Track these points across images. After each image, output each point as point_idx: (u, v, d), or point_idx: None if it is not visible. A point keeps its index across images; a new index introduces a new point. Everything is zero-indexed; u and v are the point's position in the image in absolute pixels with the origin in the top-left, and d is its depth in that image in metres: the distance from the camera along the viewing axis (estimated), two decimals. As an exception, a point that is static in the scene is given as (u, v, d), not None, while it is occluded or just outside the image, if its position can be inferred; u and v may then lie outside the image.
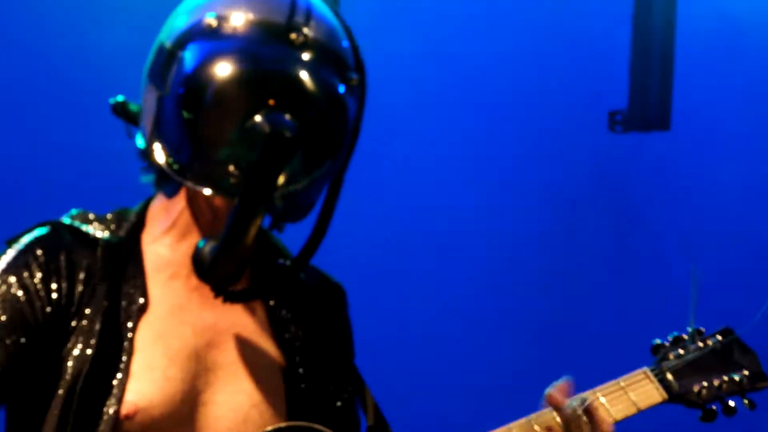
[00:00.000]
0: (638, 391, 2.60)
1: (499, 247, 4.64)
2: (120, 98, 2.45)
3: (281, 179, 2.34)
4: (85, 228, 2.42)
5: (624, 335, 2.94)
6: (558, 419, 2.56)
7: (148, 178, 2.51)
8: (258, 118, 2.30)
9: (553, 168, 4.70)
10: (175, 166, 2.38)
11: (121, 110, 2.45)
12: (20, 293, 2.38)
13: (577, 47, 4.68)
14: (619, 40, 4.55)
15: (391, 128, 4.40)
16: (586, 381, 2.62)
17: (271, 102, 2.33)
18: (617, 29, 4.60)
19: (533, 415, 2.58)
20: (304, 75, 2.35)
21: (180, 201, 2.45)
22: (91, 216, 2.47)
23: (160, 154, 2.38)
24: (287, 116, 2.30)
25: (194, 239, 2.42)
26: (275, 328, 2.52)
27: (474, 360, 4.48)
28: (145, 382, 2.40)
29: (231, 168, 2.35)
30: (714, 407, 2.59)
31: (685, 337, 2.65)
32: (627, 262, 4.39)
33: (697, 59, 4.63)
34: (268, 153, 2.28)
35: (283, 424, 2.45)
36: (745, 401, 2.62)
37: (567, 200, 4.72)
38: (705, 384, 2.60)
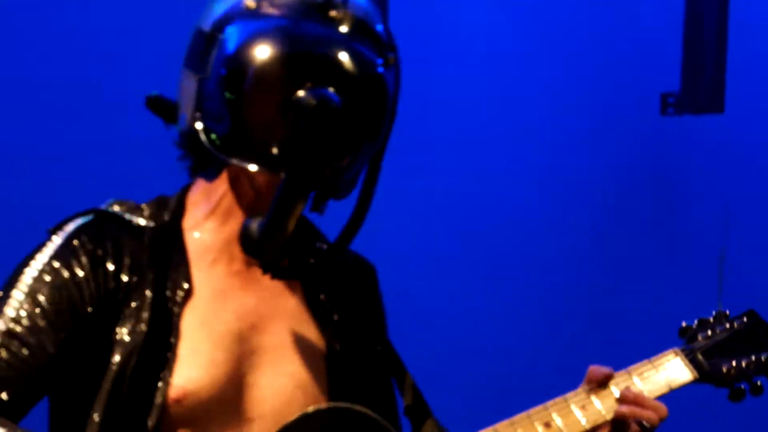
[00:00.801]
0: (670, 370, 2.62)
1: (550, 230, 4.67)
2: (155, 93, 2.48)
3: (327, 153, 2.40)
4: (128, 216, 2.45)
5: (666, 317, 2.93)
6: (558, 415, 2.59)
7: (185, 166, 2.51)
8: (302, 92, 2.32)
9: (605, 151, 4.73)
10: (221, 146, 2.41)
11: (156, 104, 2.49)
12: (69, 281, 2.41)
13: (630, 29, 4.69)
14: (673, 21, 4.52)
15: (439, 110, 4.43)
16: (626, 358, 2.66)
17: (314, 77, 2.35)
18: (670, 11, 4.59)
19: (533, 410, 2.57)
20: (345, 50, 2.37)
21: (221, 184, 2.47)
22: (132, 204, 2.50)
23: (203, 136, 2.42)
24: (330, 90, 2.34)
25: (236, 223, 2.45)
26: (314, 310, 2.54)
27: (519, 340, 4.50)
28: (193, 366, 2.42)
29: (275, 145, 2.38)
30: (742, 386, 2.60)
31: (711, 319, 2.66)
32: (674, 246, 4.39)
33: (751, 41, 4.60)
34: (314, 125, 2.31)
35: (324, 406, 2.47)
36: None
37: (618, 182, 4.73)
38: (734, 364, 2.60)
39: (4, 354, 2.33)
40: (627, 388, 2.57)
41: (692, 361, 2.61)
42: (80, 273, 2.39)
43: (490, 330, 4.57)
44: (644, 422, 2.52)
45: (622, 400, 2.56)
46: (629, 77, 4.67)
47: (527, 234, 4.66)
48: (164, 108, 2.49)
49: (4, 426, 2.32)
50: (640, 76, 4.68)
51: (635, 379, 2.59)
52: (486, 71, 4.62)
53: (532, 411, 2.56)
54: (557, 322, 4.51)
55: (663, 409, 2.54)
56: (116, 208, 2.47)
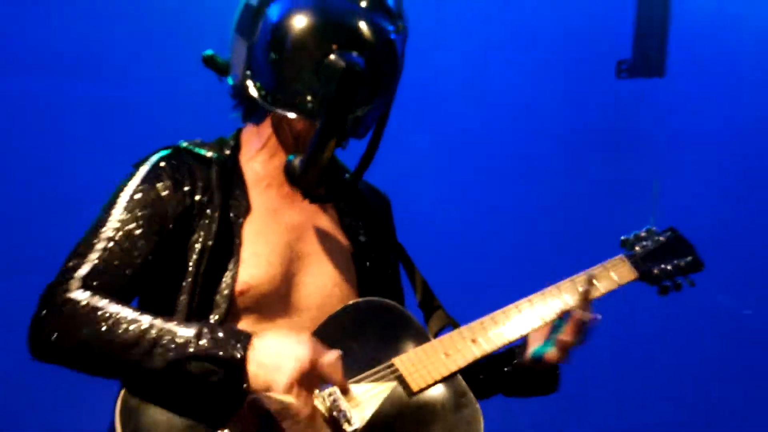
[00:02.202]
0: (618, 271, 2.88)
1: (530, 170, 4.90)
2: (209, 52, 2.74)
3: (352, 104, 2.59)
4: (197, 150, 2.69)
5: (613, 236, 3.06)
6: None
7: (237, 113, 2.76)
8: (332, 56, 2.56)
9: (571, 105, 4.94)
10: (267, 98, 2.64)
11: (210, 62, 2.74)
12: (156, 198, 2.61)
13: (589, 7, 4.91)
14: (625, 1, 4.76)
15: (423, 83, 4.49)
16: (585, 264, 2.91)
17: (341, 42, 2.58)
18: None
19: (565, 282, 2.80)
20: (365, 20, 2.60)
21: (267, 128, 2.72)
22: (200, 141, 2.74)
23: (253, 90, 2.65)
24: (355, 54, 2.58)
25: (281, 157, 2.71)
26: (344, 225, 2.82)
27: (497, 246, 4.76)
28: (253, 266, 2.64)
29: (310, 97, 2.62)
30: (667, 284, 2.93)
31: (644, 234, 2.97)
32: (623, 180, 4.66)
33: (690, 18, 4.85)
34: (344, 83, 2.54)
35: (360, 300, 2.73)
36: (688, 281, 2.96)
37: (582, 130, 4.97)
38: (661, 267, 2.92)
39: (108, 258, 2.52)
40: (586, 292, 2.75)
41: (634, 264, 2.88)
42: (164, 192, 2.61)
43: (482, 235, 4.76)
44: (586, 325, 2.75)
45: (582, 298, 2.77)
46: (589, 47, 4.89)
47: (513, 169, 4.86)
48: (217, 65, 2.74)
49: (108, 302, 2.47)
50: (598, 48, 4.88)
51: (586, 280, 2.82)
52: (470, 44, 4.75)
53: (522, 300, 2.78)
54: (536, 239, 4.76)
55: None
56: (189, 144, 2.70)
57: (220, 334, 2.41)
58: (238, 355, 2.38)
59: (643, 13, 4.71)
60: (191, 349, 2.39)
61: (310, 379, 2.46)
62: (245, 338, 2.42)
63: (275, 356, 2.43)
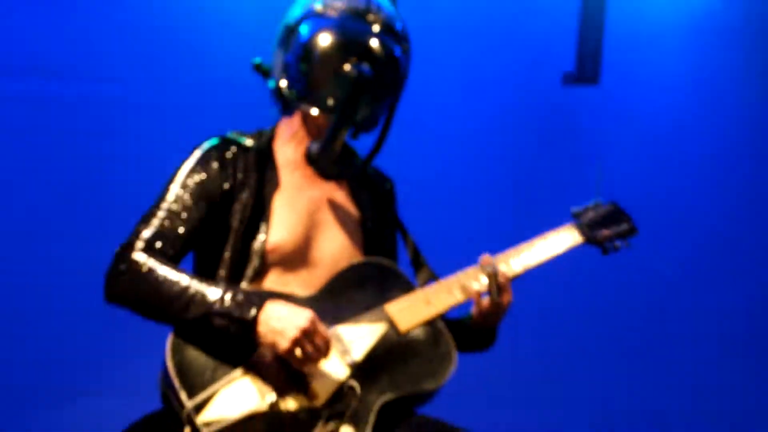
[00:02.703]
0: (568, 235, 3.09)
1: (490, 159, 5.05)
2: (258, 60, 2.96)
3: (362, 105, 2.82)
4: (241, 140, 2.92)
5: (561, 211, 3.23)
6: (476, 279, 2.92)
7: (274, 110, 2.97)
8: (347, 66, 2.83)
9: (518, 112, 5.13)
10: (297, 95, 2.90)
11: (258, 68, 2.96)
12: (206, 177, 2.87)
13: (534, 22, 5.05)
14: (569, 15, 4.94)
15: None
16: (542, 229, 3.07)
17: (356, 57, 2.83)
18: (568, 11, 4.95)
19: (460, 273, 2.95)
20: (376, 40, 2.84)
21: (297, 121, 2.95)
22: (242, 132, 2.96)
23: (287, 91, 2.90)
24: (365, 65, 2.82)
25: (306, 145, 2.93)
26: (355, 200, 3.03)
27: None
28: (281, 230, 2.89)
29: (330, 97, 2.88)
30: (608, 246, 3.11)
31: (591, 206, 3.15)
32: (573, 172, 4.75)
33: (623, 31, 5.05)
34: (355, 88, 2.81)
35: (363, 259, 2.96)
36: (626, 243, 3.12)
37: (531, 133, 5.14)
38: (604, 232, 3.11)
39: (167, 223, 2.80)
40: (497, 272, 2.88)
41: (580, 230, 3.09)
42: (213, 173, 2.86)
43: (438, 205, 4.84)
44: (503, 303, 2.92)
45: (491, 276, 2.90)
46: (535, 59, 5.06)
47: (476, 156, 5.01)
48: (262, 71, 2.96)
49: (162, 264, 2.75)
50: (543, 58, 5.05)
51: (543, 242, 3.02)
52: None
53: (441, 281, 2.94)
54: (499, 216, 4.85)
55: (510, 299, 2.93)
56: (234, 135, 2.93)
57: (239, 297, 2.70)
58: (250, 317, 2.68)
59: (583, 32, 4.91)
60: (216, 307, 2.68)
61: (307, 343, 2.71)
62: (259, 303, 2.70)
63: (280, 321, 2.70)
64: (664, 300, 5.07)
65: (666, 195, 5.18)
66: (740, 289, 5.14)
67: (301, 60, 2.87)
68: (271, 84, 2.93)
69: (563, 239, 3.06)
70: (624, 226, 3.15)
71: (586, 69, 4.94)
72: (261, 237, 2.87)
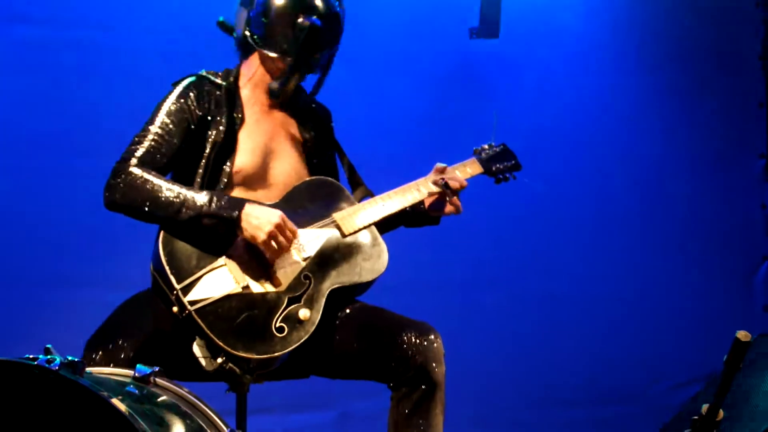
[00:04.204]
0: (471, 167, 3.50)
1: (408, 109, 5.34)
2: (221, 18, 3.31)
3: (313, 50, 3.16)
4: (212, 77, 3.26)
5: (467, 148, 3.52)
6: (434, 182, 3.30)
7: (238, 52, 3.32)
8: (301, 18, 3.17)
9: (432, 63, 5.48)
10: (259, 42, 3.25)
11: (222, 25, 3.30)
12: (185, 107, 3.17)
13: None
14: None
15: None
16: (451, 161, 3.45)
17: (307, 11, 3.16)
18: None
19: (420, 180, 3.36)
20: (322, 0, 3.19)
21: (256, 63, 3.29)
22: (213, 72, 3.29)
23: (250, 39, 3.26)
24: (316, 18, 3.16)
25: (263, 85, 3.29)
26: (301, 129, 3.36)
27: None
28: (244, 155, 3.22)
29: (285, 44, 3.23)
30: (500, 177, 3.55)
31: (487, 147, 3.61)
32: (477, 117, 4.71)
33: None
34: (307, 36, 3.16)
35: (312, 178, 3.31)
36: (513, 176, 3.57)
37: (443, 80, 5.44)
38: (498, 166, 3.55)
39: (155, 144, 3.08)
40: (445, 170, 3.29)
41: (481, 163, 3.53)
42: (191, 104, 3.16)
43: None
44: (449, 184, 3.32)
45: (439, 172, 3.35)
46: (447, 18, 5.45)
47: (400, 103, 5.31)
48: (225, 27, 3.30)
49: (154, 176, 3.02)
50: (454, 16, 5.44)
51: (457, 173, 3.43)
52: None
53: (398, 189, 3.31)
54: (415, 154, 4.98)
55: (464, 182, 3.34)
56: (206, 74, 3.25)
57: (223, 202, 3.00)
58: (234, 216, 3.00)
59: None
60: (204, 209, 2.98)
61: (280, 235, 3.02)
62: (240, 205, 3.01)
63: (258, 219, 3.01)
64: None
65: (554, 138, 5.57)
66: (615, 230, 5.65)
67: (262, 15, 3.23)
68: (236, 34, 3.31)
69: (467, 169, 3.49)
70: (512, 162, 3.60)
71: (488, 25, 5.34)
72: (228, 161, 3.22)
